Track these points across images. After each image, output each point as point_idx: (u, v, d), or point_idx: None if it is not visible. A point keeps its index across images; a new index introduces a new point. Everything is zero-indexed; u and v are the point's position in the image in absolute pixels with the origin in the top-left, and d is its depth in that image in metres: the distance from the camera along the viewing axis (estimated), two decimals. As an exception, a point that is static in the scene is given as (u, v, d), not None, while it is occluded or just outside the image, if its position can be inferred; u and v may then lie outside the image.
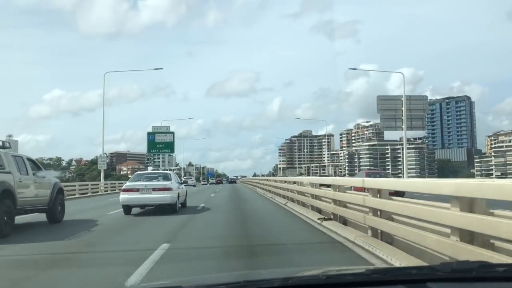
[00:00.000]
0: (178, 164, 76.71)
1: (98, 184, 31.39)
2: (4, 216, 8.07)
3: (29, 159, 9.98)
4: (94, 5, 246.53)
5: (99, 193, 28.72)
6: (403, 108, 27.03)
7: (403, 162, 31.63)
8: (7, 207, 8.19)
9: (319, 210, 10.07)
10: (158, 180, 12.90)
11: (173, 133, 40.80)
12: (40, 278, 4.92)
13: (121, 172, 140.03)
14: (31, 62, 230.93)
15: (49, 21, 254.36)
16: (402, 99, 27.38)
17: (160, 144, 40.11)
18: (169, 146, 40.64)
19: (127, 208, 12.13)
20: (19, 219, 9.16)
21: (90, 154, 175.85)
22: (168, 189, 12.15)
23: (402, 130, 27.94)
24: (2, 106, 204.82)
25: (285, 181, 17.46)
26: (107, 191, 30.71)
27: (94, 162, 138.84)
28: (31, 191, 9.44)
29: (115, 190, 32.52)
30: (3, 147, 9.34)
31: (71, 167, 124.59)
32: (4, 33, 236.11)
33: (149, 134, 40.49)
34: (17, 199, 8.61)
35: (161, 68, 32.88)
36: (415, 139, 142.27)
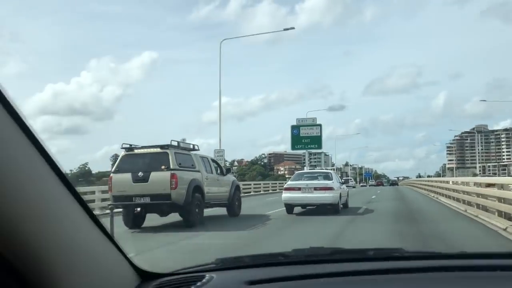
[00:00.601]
0: (334, 164, 76.56)
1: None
2: (196, 208, 9.59)
3: (213, 160, 11.59)
4: (255, 13, 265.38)
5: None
6: None
7: None
8: (198, 201, 9.70)
9: None
10: (319, 179, 12.79)
11: (320, 125, 34.08)
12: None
13: (279, 172, 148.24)
14: (202, 73, 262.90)
15: (215, 33, 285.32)
16: None
17: (305, 138, 33.92)
18: (316, 141, 34.01)
19: (289, 207, 12.30)
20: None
21: (252, 155, 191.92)
22: (330, 188, 12.01)
23: None
24: (180, 113, 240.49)
25: None
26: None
27: (254, 162, 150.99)
28: (215, 188, 10.89)
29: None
30: (193, 149, 10.82)
31: (233, 168, 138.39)
32: (183, 48, 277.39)
33: (293, 127, 34.22)
34: (205, 194, 10.10)
35: (293, 28, 30.97)
36: None
